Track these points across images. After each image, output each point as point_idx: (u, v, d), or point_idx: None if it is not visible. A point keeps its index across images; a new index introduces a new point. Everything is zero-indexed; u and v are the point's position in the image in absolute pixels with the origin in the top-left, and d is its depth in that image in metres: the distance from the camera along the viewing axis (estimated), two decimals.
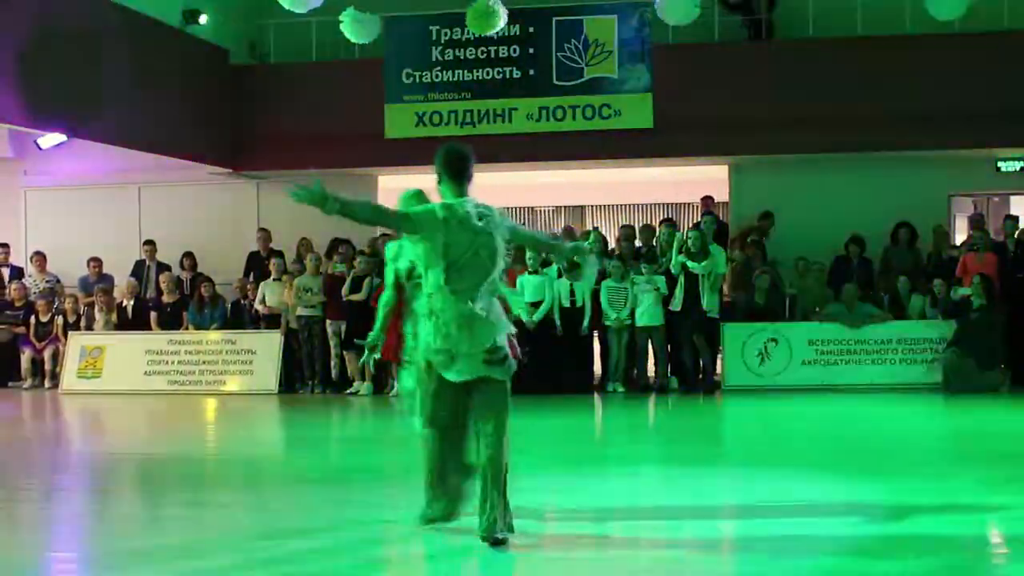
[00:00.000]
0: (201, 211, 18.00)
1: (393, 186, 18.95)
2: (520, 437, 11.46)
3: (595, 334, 15.13)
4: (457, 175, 6.67)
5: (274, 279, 15.82)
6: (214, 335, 15.80)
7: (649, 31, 16.20)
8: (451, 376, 6.45)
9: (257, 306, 15.88)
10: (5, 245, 17.28)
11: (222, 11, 17.91)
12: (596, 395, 14.58)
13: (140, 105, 14.94)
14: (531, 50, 16.44)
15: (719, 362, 15.13)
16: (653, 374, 15.06)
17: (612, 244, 16.74)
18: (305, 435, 12.42)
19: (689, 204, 20.92)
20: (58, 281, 17.35)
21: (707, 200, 17.50)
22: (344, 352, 15.15)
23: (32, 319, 16.54)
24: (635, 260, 15.19)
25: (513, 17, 15.28)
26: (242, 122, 17.25)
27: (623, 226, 17.01)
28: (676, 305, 14.53)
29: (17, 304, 16.68)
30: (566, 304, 14.55)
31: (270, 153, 17.19)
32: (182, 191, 18.00)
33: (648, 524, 7.28)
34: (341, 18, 14.77)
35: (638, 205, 22.19)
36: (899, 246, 15.86)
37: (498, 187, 21.41)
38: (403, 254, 7.35)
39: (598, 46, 16.31)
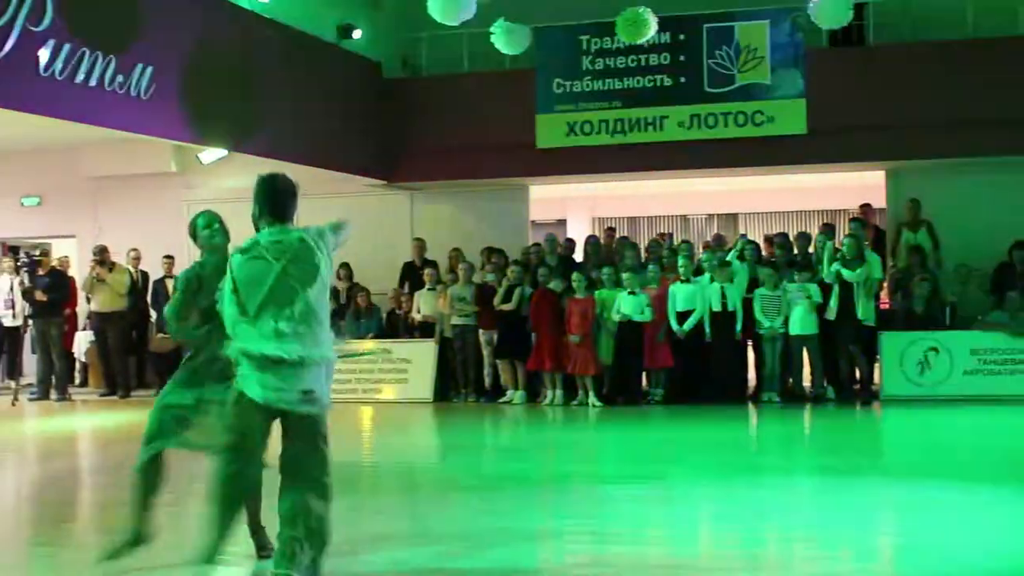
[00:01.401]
0: (356, 222, 18.13)
1: (544, 196, 19.11)
2: (674, 446, 11.48)
3: (749, 343, 14.98)
4: (281, 213, 5.81)
5: (428, 289, 16.00)
6: (370, 344, 16.05)
7: (802, 36, 15.99)
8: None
9: (412, 315, 16.08)
10: (170, 257, 17.79)
11: (375, 25, 18.21)
12: (751, 405, 14.41)
13: (297, 119, 15.26)
14: (682, 57, 16.35)
15: (876, 371, 14.83)
16: (809, 384, 14.83)
17: (765, 252, 16.50)
18: (459, 443, 12.54)
19: (844, 211, 20.57)
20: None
21: (866, 208, 17.14)
22: (497, 361, 15.25)
23: None
24: (789, 268, 14.97)
25: (663, 25, 15.23)
26: (395, 134, 17.49)
27: (776, 234, 16.78)
28: (831, 314, 14.30)
29: None
30: (716, 308, 14.41)
31: (423, 164, 17.40)
32: (338, 203, 18.26)
33: (801, 536, 7.18)
34: (492, 29, 14.88)
35: (792, 212, 21.92)
36: None
37: (650, 195, 21.44)
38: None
39: (750, 52, 16.14)
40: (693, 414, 13.47)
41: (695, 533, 7.44)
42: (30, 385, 17.07)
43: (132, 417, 14.87)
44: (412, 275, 16.83)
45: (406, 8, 18.32)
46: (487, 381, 15.47)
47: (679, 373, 14.57)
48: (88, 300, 17.57)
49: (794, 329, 14.37)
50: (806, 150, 16.16)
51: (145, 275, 17.90)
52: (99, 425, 14.72)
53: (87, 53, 11.25)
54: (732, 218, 22.51)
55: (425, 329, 15.94)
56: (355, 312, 16.46)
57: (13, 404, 15.87)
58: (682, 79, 16.32)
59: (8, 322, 17.17)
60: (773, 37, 16.04)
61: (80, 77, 11.25)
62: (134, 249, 17.77)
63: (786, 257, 15.27)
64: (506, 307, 14.90)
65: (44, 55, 10.76)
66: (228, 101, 13.83)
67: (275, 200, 5.75)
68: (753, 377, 15.13)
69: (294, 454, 5.80)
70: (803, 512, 8.10)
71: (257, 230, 5.76)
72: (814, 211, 21.50)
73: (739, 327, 14.43)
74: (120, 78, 11.78)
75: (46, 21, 10.69)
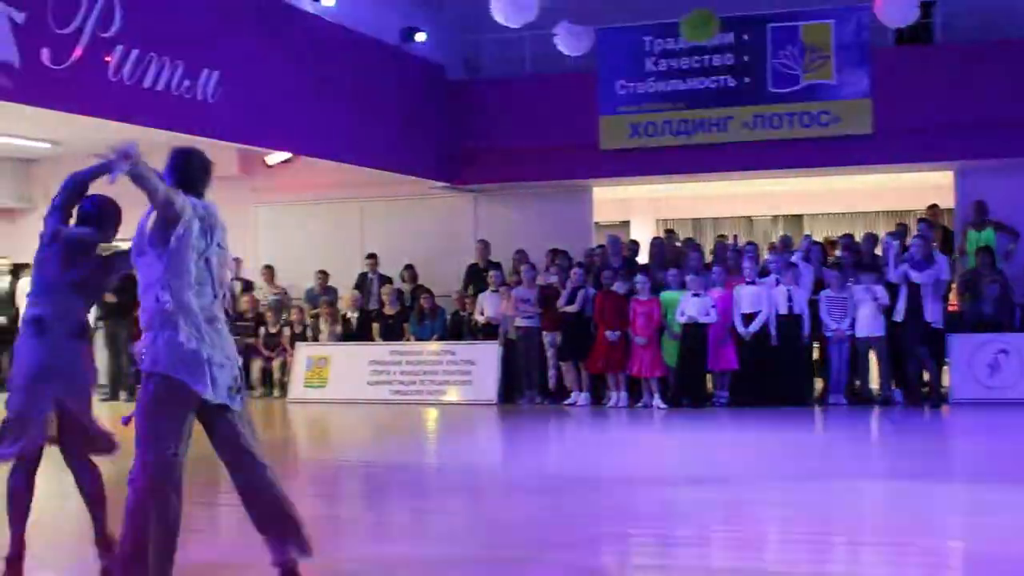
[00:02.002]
0: (420, 224, 18.38)
1: (609, 197, 19.08)
2: (739, 449, 11.41)
3: (815, 345, 14.86)
4: (204, 185, 5.73)
5: (492, 290, 16.03)
6: (434, 346, 16.10)
7: (867, 34, 15.85)
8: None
9: (476, 317, 16.12)
10: (237, 259, 17.96)
11: (438, 28, 18.28)
12: (817, 408, 14.29)
13: (361, 122, 15.35)
14: (746, 58, 16.26)
15: (945, 374, 14.65)
16: (876, 386, 14.68)
17: (830, 253, 16.36)
18: (523, 444, 12.55)
19: (911, 211, 20.34)
20: (286, 293, 17.95)
21: (933, 209, 16.94)
22: (560, 363, 15.24)
23: (261, 330, 17.16)
24: (855, 269, 14.83)
25: (727, 25, 15.19)
26: (459, 136, 17.55)
27: (842, 235, 16.63)
28: (899, 315, 14.15)
29: (248, 316, 17.32)
30: (782, 311, 14.31)
31: (486, 166, 17.44)
32: (402, 205, 18.41)
33: (869, 540, 7.11)
34: (555, 31, 14.90)
35: (858, 213, 21.69)
36: None
37: (714, 197, 21.32)
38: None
39: (815, 51, 16.03)
40: (758, 417, 13.37)
41: (760, 537, 7.38)
42: (101, 386, 17.29)
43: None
44: (476, 277, 16.87)
45: (469, 10, 18.40)
46: (551, 383, 15.47)
47: (744, 375, 14.47)
48: None
49: (861, 331, 14.23)
50: (872, 150, 16.03)
51: None
52: None
53: (155, 58, 11.40)
54: (797, 219, 22.32)
55: (489, 331, 15.96)
56: (419, 313, 16.52)
57: None
58: (746, 79, 16.24)
59: None
60: (838, 36, 15.90)
61: (147, 82, 11.39)
62: None
63: (852, 258, 15.12)
64: (570, 309, 14.88)
65: (112, 60, 10.90)
66: (293, 104, 13.94)
67: (193, 176, 5.62)
68: (819, 380, 14.99)
69: None
70: (870, 516, 8.02)
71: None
72: (880, 212, 21.26)
73: (805, 330, 14.31)
74: (187, 82, 11.93)
75: (115, 27, 10.83)
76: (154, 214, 5.30)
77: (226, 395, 5.44)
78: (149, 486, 5.28)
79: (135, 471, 5.33)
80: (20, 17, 9.83)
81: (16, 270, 18.45)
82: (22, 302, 17.86)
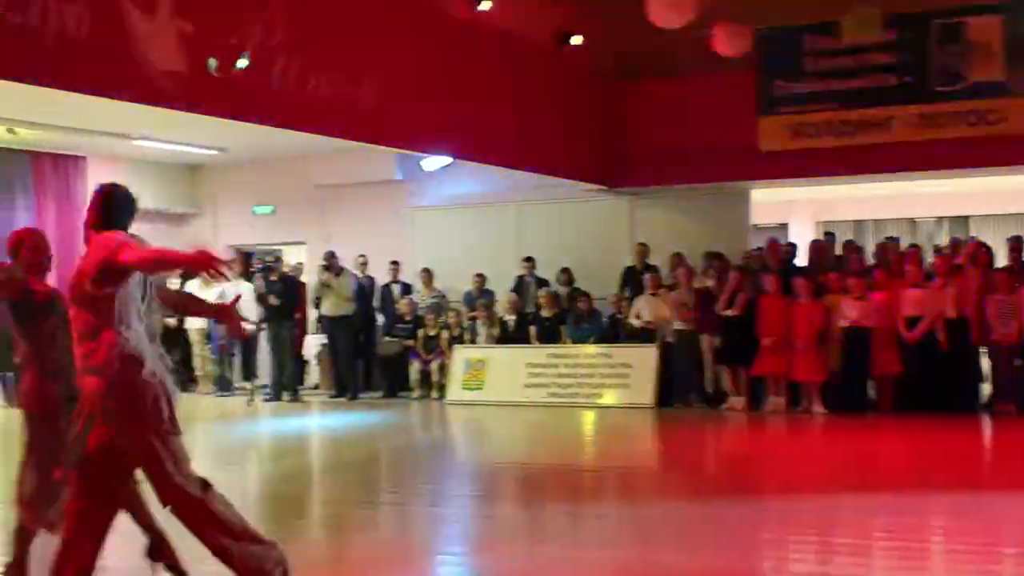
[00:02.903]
0: (577, 227, 18.38)
1: (766, 199, 18.83)
2: (902, 456, 11.17)
3: (982, 350, 14.43)
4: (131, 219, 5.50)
5: (650, 293, 15.96)
6: (591, 349, 16.09)
7: None
8: None
9: (632, 320, 16.07)
10: (396, 262, 18.24)
11: (596, 30, 18.25)
12: (984, 414, 13.89)
13: (517, 125, 15.42)
14: (909, 55, 15.87)
15: None
16: None
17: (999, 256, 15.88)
18: (680, 449, 12.48)
19: None
20: (443, 296, 18.14)
21: None
22: (718, 366, 15.10)
23: (420, 333, 17.37)
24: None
25: (889, 22, 14.86)
26: (615, 139, 17.50)
27: (1011, 237, 16.12)
28: None
29: (407, 318, 17.56)
30: (949, 316, 13.93)
31: (643, 169, 17.36)
32: (558, 208, 18.44)
33: None
34: (713, 32, 14.75)
35: None
36: None
37: (877, 198, 20.90)
38: None
39: (982, 48, 15.56)
40: (922, 423, 13.06)
41: (923, 547, 7.20)
42: (264, 386, 17.72)
43: (359, 418, 15.33)
44: (632, 279, 16.82)
45: (626, 12, 18.33)
46: (708, 387, 15.34)
47: (907, 380, 14.14)
48: (316, 305, 18.14)
49: None
50: None
51: (372, 280, 18.38)
52: (328, 425, 15.18)
53: (317, 65, 11.63)
54: (963, 221, 21.75)
55: (646, 334, 15.89)
56: (576, 316, 16.54)
57: (248, 404, 16.49)
58: (910, 78, 15.84)
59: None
60: (1008, 32, 15.41)
61: (310, 88, 11.63)
62: (362, 255, 18.27)
63: (1022, 261, 14.65)
64: (731, 312, 14.74)
65: (276, 68, 11.16)
66: (450, 108, 14.08)
67: (116, 212, 5.44)
68: (987, 386, 14.57)
69: None
70: None
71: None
72: None
73: (972, 336, 13.92)
74: (348, 88, 12.14)
75: (278, 36, 11.09)
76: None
77: None
78: None
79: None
80: (188, 28, 10.13)
81: (185, 273, 19.00)
82: None
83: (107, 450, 5.21)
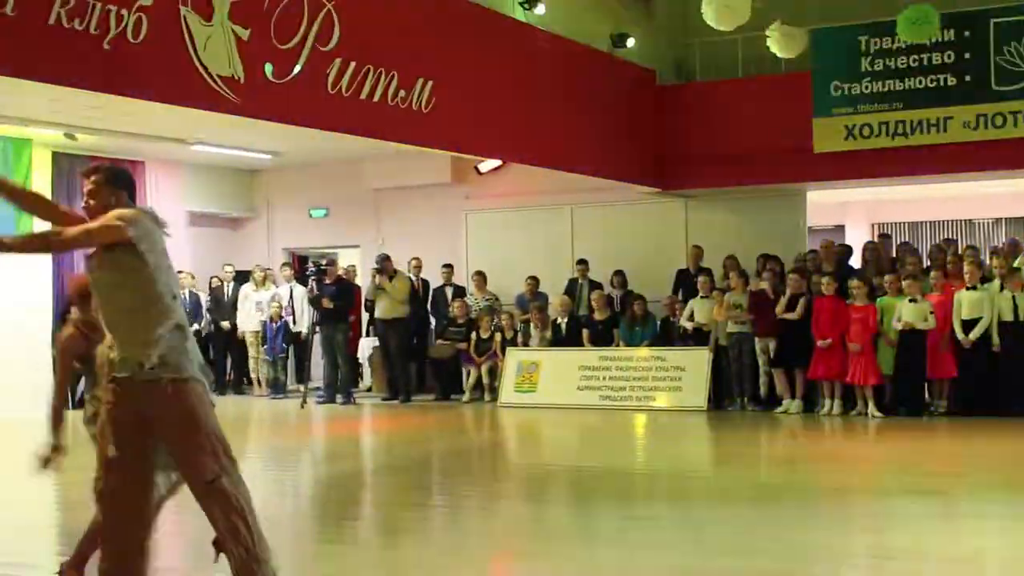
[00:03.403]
0: (630, 230, 18.35)
1: (821, 200, 18.72)
2: (958, 460, 11.06)
3: None
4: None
5: (703, 296, 15.91)
6: (644, 352, 16.06)
7: None
8: None
9: (684, 323, 16.02)
10: (449, 265, 18.28)
11: (649, 33, 18.25)
12: None
13: (571, 128, 15.43)
14: (967, 55, 15.70)
15: None
16: None
17: None
18: (734, 452, 12.43)
19: None
20: (496, 299, 18.17)
21: None
22: (772, 370, 15.03)
23: (473, 335, 17.41)
24: None
25: (947, 22, 14.72)
26: (669, 141, 17.44)
27: None
28: None
29: (460, 321, 17.60)
30: (1007, 317, 13.78)
31: (697, 171, 17.30)
32: (611, 211, 18.43)
33: None
34: (768, 33, 14.68)
35: None
36: None
37: (933, 199, 20.73)
38: None
39: None
40: (979, 427, 12.93)
41: (980, 553, 7.13)
42: (317, 389, 17.82)
43: (412, 421, 15.39)
44: (685, 282, 16.77)
45: (679, 15, 18.32)
46: (763, 390, 15.26)
47: (964, 384, 14.00)
48: (369, 308, 18.23)
49: None
50: None
51: (426, 283, 18.44)
52: (381, 428, 15.26)
53: (371, 69, 11.70)
54: (1021, 222, 21.51)
55: (699, 336, 15.84)
56: (630, 319, 16.51)
57: (302, 407, 16.61)
58: (967, 77, 15.67)
59: (292, 328, 18.57)
60: None
61: (364, 93, 11.71)
62: (415, 258, 18.34)
63: None
64: (789, 316, 14.65)
65: (332, 73, 11.25)
66: (505, 111, 14.11)
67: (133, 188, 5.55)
68: None
69: None
70: None
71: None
72: None
73: None
74: (402, 93, 12.21)
75: (334, 40, 11.17)
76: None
77: None
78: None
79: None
80: (245, 34, 10.23)
81: (240, 276, 19.19)
82: (245, 307, 18.71)
83: (140, 424, 5.12)
